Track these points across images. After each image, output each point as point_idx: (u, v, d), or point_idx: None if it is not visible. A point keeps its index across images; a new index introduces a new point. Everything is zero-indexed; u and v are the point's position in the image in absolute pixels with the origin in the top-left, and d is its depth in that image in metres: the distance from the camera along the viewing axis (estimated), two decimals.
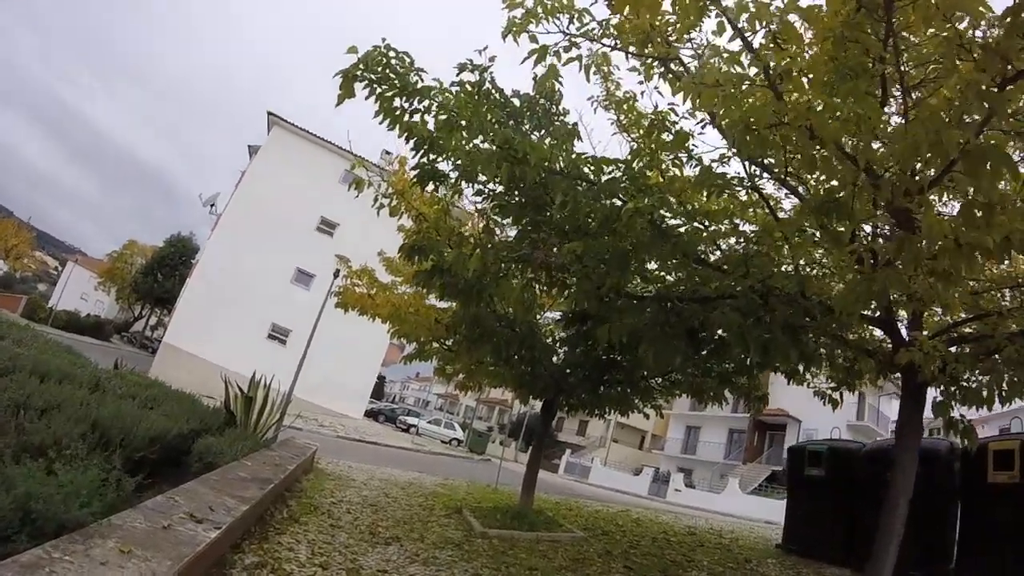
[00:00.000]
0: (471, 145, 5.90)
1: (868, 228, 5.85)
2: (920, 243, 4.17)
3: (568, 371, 10.55)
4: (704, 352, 7.39)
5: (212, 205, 39.67)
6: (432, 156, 6.22)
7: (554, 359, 10.76)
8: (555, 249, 6.06)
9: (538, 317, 11.03)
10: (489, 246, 6.81)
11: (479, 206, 7.35)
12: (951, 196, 4.86)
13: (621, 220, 5.26)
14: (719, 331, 5.73)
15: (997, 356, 5.25)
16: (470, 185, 6.55)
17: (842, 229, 4.71)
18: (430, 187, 6.91)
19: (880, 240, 5.01)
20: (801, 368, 7.29)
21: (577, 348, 10.56)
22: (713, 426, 49.20)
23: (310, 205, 35.91)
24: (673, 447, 51.98)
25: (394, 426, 46.57)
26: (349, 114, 7.01)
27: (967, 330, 6.48)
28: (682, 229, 5.67)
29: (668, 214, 5.81)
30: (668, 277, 6.76)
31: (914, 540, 5.71)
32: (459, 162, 5.99)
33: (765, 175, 6.08)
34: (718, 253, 6.49)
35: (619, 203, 5.60)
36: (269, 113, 37.11)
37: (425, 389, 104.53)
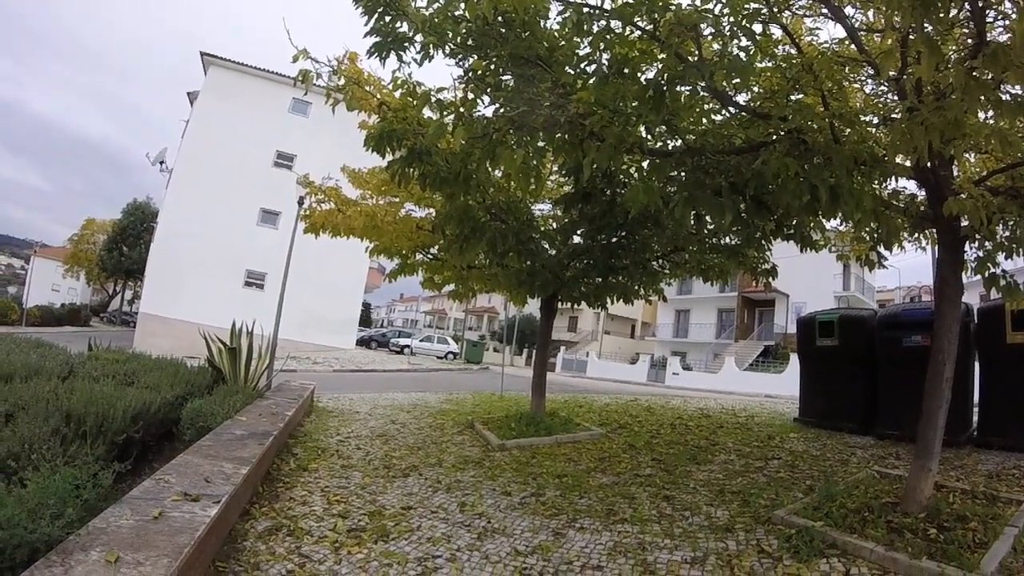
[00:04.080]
0: None
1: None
2: (1008, 59, 3.57)
3: (568, 262, 9.97)
4: (741, 210, 6.55)
5: (162, 163, 38.10)
6: (390, 16, 5.30)
7: (552, 251, 10.25)
8: (559, 107, 5.12)
9: (532, 203, 10.44)
10: (474, 114, 5.83)
11: (459, 66, 6.19)
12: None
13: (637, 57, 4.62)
14: (767, 183, 5.00)
15: None
16: (440, 49, 5.50)
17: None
18: (392, 62, 5.69)
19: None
20: (832, 225, 6.85)
21: (578, 233, 10.10)
22: (702, 308, 49.91)
23: (263, 141, 34.35)
24: (665, 332, 52.72)
25: (388, 350, 46.32)
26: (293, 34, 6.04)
27: (991, 183, 6.07)
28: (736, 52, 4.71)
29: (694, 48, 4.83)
30: (697, 127, 5.84)
31: (948, 406, 5.47)
32: (426, 11, 5.10)
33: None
34: (746, 97, 5.82)
35: (636, 33, 4.82)
36: (203, 54, 34.92)
37: (412, 308, 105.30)
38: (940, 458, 7.25)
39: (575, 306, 11.47)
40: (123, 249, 55.14)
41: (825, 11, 5.30)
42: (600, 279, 10.41)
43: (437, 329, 74.68)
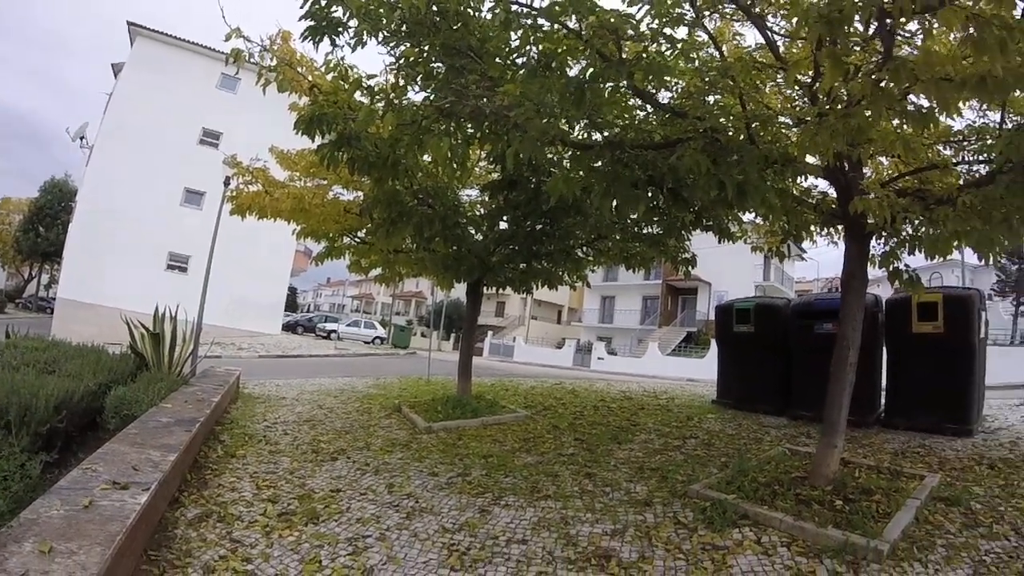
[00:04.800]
0: None
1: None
2: (910, 73, 3.88)
3: (494, 248, 10.16)
4: (658, 203, 6.79)
5: (82, 138, 35.54)
6: (326, 0, 5.33)
7: (477, 236, 10.40)
8: (485, 98, 5.28)
9: (459, 189, 10.53)
10: (404, 101, 5.86)
11: (391, 55, 6.19)
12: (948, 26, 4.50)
13: (563, 53, 4.76)
14: (683, 177, 5.23)
15: (949, 205, 5.22)
16: (374, 35, 5.57)
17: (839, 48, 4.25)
18: (325, 46, 5.73)
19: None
20: (748, 218, 7.20)
21: (503, 220, 10.26)
22: (627, 295, 50.72)
23: (189, 117, 32.70)
24: (591, 318, 53.34)
25: (314, 335, 45.65)
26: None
27: (900, 184, 6.49)
28: (652, 55, 5.00)
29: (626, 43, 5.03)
30: (618, 122, 6.03)
31: (852, 389, 5.89)
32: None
33: (725, 7, 5.67)
34: (668, 96, 6.06)
35: (563, 31, 4.94)
36: (130, 23, 32.78)
37: (338, 293, 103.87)
38: (849, 437, 7.80)
39: (499, 290, 11.62)
40: (40, 230, 51.47)
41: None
42: (525, 265, 10.62)
43: (364, 314, 73.89)
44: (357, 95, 6.46)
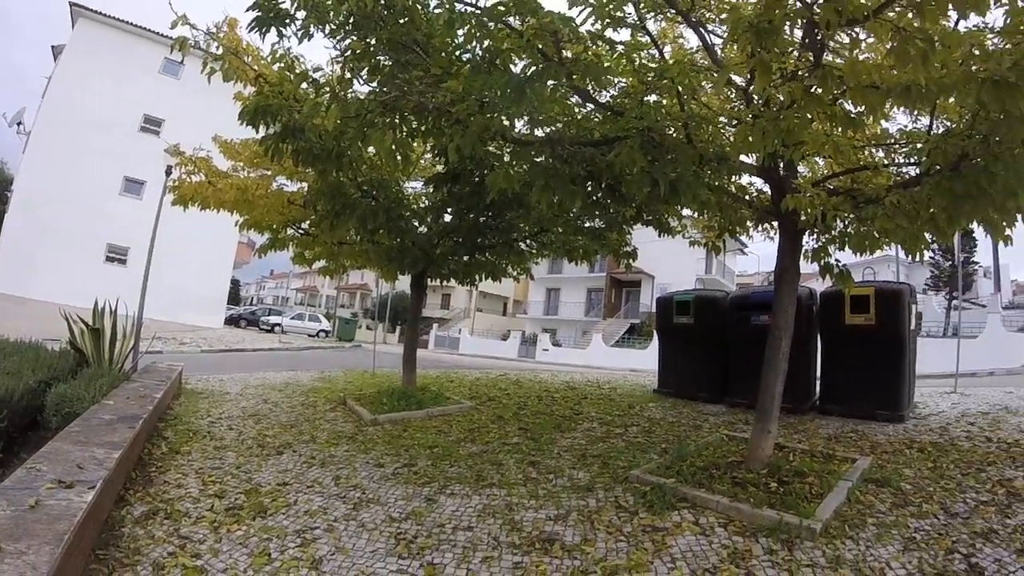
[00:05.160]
0: None
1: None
2: (837, 80, 4.11)
3: (438, 240, 10.22)
4: (598, 197, 6.83)
5: (19, 124, 34.03)
6: None
7: (422, 229, 10.45)
8: (429, 93, 5.36)
9: (404, 181, 10.55)
10: (349, 94, 5.89)
11: (336, 49, 6.02)
12: (874, 38, 4.73)
13: (507, 52, 4.84)
14: (620, 173, 5.38)
15: (877, 204, 5.49)
16: (321, 28, 5.56)
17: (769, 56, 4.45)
18: (272, 36, 5.69)
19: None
20: (687, 214, 7.43)
21: (447, 212, 10.31)
22: (572, 287, 51.11)
23: (130, 103, 31.49)
24: (536, 310, 53.62)
25: (258, 329, 44.58)
26: None
27: (834, 184, 6.79)
28: (587, 56, 5.15)
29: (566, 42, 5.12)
30: (559, 119, 6.16)
31: (785, 377, 6.16)
32: None
33: (664, 11, 5.84)
34: (608, 95, 6.20)
35: (506, 31, 5.00)
36: (71, 3, 31.27)
37: (282, 285, 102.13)
38: (785, 423, 8.13)
39: (442, 282, 11.68)
40: None
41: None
42: (468, 257, 10.75)
43: (308, 307, 73.01)
44: (303, 86, 6.44)
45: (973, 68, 3.95)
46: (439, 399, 10.81)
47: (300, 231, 11.00)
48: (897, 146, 6.63)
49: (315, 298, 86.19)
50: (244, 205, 9.85)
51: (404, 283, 14.08)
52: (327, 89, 5.89)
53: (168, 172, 11.11)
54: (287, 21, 5.58)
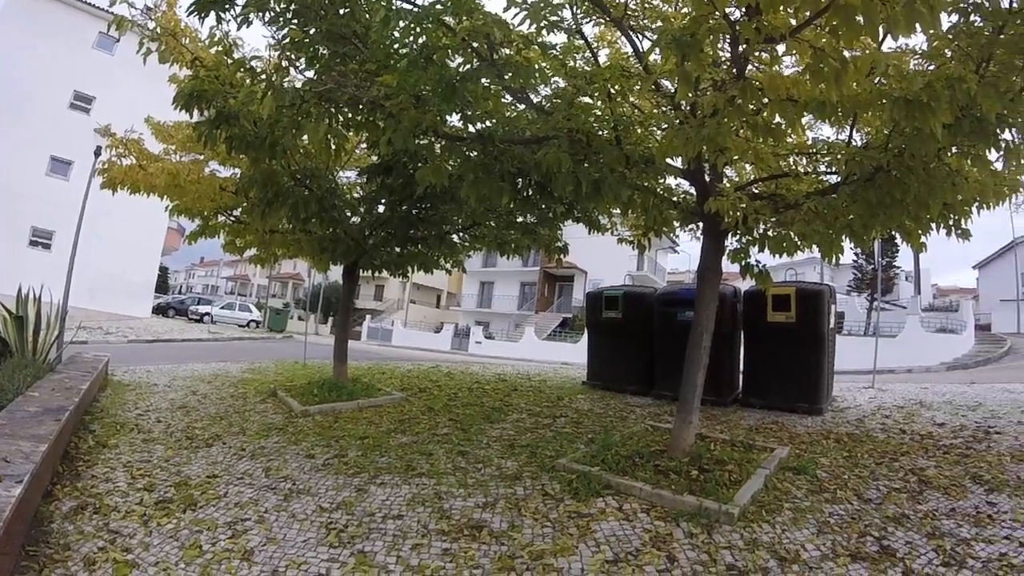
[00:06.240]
0: None
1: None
2: (757, 93, 4.34)
3: (370, 231, 10.22)
4: (528, 194, 7.06)
5: None
6: None
7: (354, 219, 10.44)
8: (364, 86, 5.40)
9: (337, 171, 10.50)
10: (285, 83, 5.80)
11: (272, 39, 5.95)
12: (795, 54, 4.98)
13: (443, 49, 4.91)
14: (548, 171, 5.52)
15: (795, 210, 5.81)
16: (261, 15, 5.56)
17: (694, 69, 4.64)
18: (211, 19, 5.67)
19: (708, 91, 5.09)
20: (617, 212, 7.66)
21: (381, 203, 10.29)
22: (506, 281, 51.40)
23: (59, 79, 29.90)
24: (469, 303, 53.75)
25: (186, 318, 43.36)
26: None
27: (758, 189, 7.14)
28: (516, 58, 5.23)
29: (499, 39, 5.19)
30: (491, 118, 6.25)
31: (707, 370, 6.44)
32: None
33: (600, 18, 6.00)
34: (541, 95, 6.32)
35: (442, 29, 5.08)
36: None
37: (212, 274, 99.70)
38: (708, 415, 8.47)
39: (375, 274, 11.65)
40: None
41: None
42: (400, 248, 10.76)
43: (239, 296, 71.73)
44: (240, 73, 6.39)
45: (887, 87, 4.25)
46: (370, 390, 10.82)
47: (232, 218, 10.80)
48: (819, 156, 6.98)
49: (246, 287, 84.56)
50: (175, 190, 9.59)
51: (337, 273, 14.00)
52: (263, 77, 5.85)
53: (97, 153, 10.66)
54: (227, 5, 5.57)
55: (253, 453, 6.85)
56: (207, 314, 43.15)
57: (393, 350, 33.27)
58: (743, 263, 6.20)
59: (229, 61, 6.36)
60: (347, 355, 11.61)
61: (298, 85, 5.68)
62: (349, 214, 10.20)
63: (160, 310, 43.54)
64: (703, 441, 6.93)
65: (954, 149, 5.04)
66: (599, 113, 5.85)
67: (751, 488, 5.30)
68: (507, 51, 5.24)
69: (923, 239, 6.25)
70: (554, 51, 5.68)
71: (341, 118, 5.92)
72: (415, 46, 5.16)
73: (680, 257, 58.47)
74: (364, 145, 10.26)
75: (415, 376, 14.36)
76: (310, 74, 5.93)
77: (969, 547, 4.31)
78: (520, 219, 9.88)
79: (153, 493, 5.45)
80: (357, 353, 19.93)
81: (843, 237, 5.87)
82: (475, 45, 4.88)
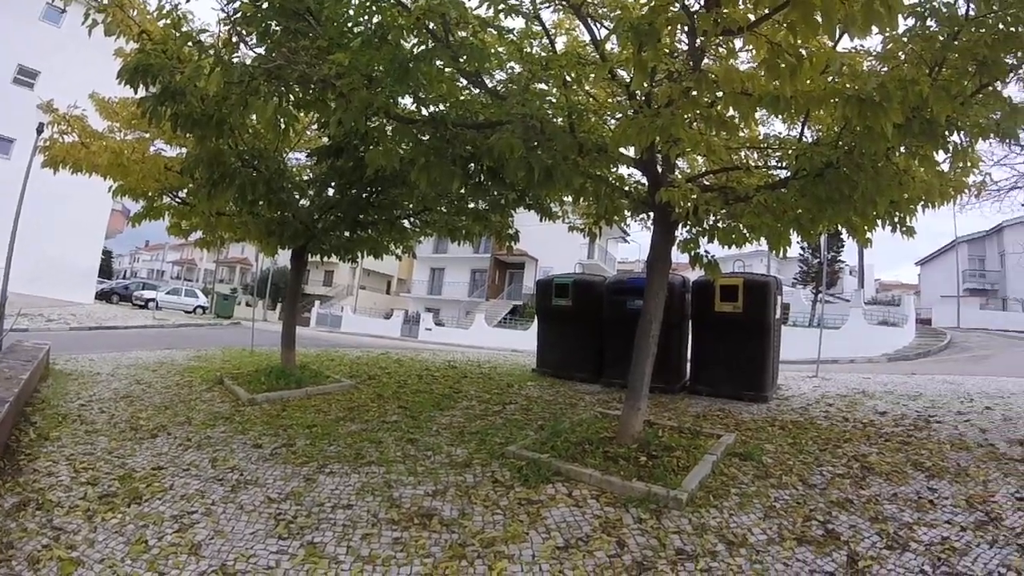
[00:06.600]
0: None
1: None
2: (712, 85, 4.37)
3: (319, 215, 10.08)
4: (480, 179, 7.03)
5: None
6: None
7: (303, 202, 10.28)
8: (316, 64, 5.23)
9: (286, 152, 10.24)
10: (234, 59, 5.61)
11: (223, 11, 5.74)
12: (752, 48, 5.03)
13: (398, 29, 4.83)
14: (500, 157, 5.49)
15: (745, 202, 5.90)
16: None
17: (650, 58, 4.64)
18: None
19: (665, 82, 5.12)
20: (569, 200, 7.69)
21: (331, 186, 10.14)
22: (456, 267, 51.27)
23: (2, 52, 28.49)
24: (420, 289, 53.53)
25: (131, 304, 41.74)
26: None
27: (709, 181, 7.23)
28: (471, 40, 5.20)
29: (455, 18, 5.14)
30: (444, 101, 6.14)
31: (655, 358, 6.53)
32: None
33: (559, 4, 6.00)
34: (496, 79, 6.31)
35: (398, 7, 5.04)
36: None
37: (157, 258, 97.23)
38: (657, 402, 8.58)
39: (323, 258, 11.50)
40: None
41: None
42: (350, 233, 10.62)
43: (185, 281, 70.20)
44: (188, 47, 6.08)
45: (840, 85, 4.34)
46: (319, 378, 10.69)
47: (177, 200, 10.40)
48: (770, 150, 7.11)
49: (192, 272, 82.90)
50: (118, 170, 9.17)
51: (285, 258, 13.75)
52: (212, 52, 5.63)
53: (40, 130, 10.16)
54: None
55: (199, 443, 6.70)
56: (152, 300, 41.89)
57: (342, 336, 32.99)
58: (693, 253, 6.29)
59: (177, 34, 6.08)
60: (295, 342, 11.42)
61: (248, 62, 5.51)
62: (298, 197, 10.01)
63: (104, 296, 42.16)
64: (652, 428, 7.03)
65: (903, 149, 5.20)
66: (554, 100, 5.85)
67: (699, 474, 5.39)
68: (463, 33, 5.22)
69: (869, 235, 6.42)
70: (511, 35, 5.66)
71: (291, 97, 5.75)
72: (369, 24, 5.08)
73: (630, 247, 59.19)
74: (314, 126, 10.02)
75: (364, 363, 14.27)
76: (261, 50, 5.72)
77: (912, 531, 4.46)
78: (471, 205, 9.84)
79: (97, 487, 5.28)
80: (306, 340, 19.71)
81: (791, 231, 6.03)
82: (431, 26, 4.83)
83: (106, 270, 60.38)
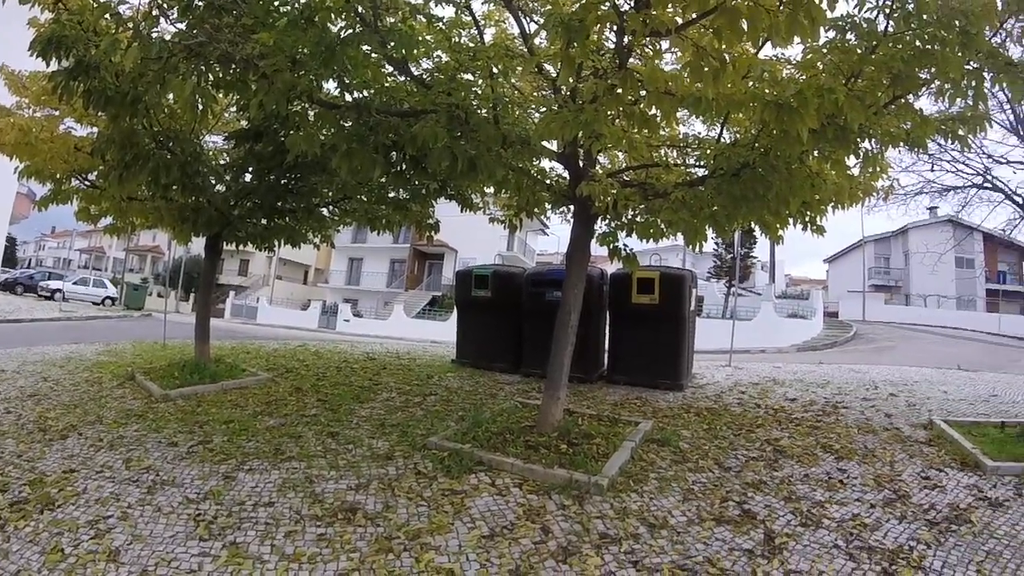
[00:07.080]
0: None
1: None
2: (637, 84, 4.48)
3: (236, 201, 9.80)
4: (402, 168, 6.97)
5: None
6: None
7: (219, 188, 9.95)
8: (238, 43, 5.06)
9: (203, 135, 9.91)
10: (153, 34, 5.28)
11: None
12: (678, 51, 5.15)
13: (326, 11, 4.76)
14: (423, 146, 5.46)
15: (663, 198, 6.08)
16: None
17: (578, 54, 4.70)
18: None
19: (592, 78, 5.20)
20: (491, 191, 7.77)
21: (248, 171, 9.90)
22: (375, 257, 50.85)
23: None
24: (338, 279, 52.95)
25: (36, 295, 39.61)
26: None
27: (629, 176, 7.43)
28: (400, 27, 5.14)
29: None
30: (369, 87, 6.09)
31: (574, 348, 6.72)
32: None
33: None
34: (423, 68, 6.30)
35: None
36: None
37: (64, 245, 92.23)
38: (575, 391, 8.74)
39: (239, 247, 11.22)
40: None
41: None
42: (267, 220, 10.40)
43: (94, 271, 67.35)
44: (105, 18, 5.72)
45: (760, 90, 4.52)
46: (235, 371, 10.43)
47: (86, 183, 9.83)
48: (689, 149, 7.34)
49: (101, 261, 79.59)
50: (25, 149, 8.58)
51: (199, 246, 13.32)
52: (131, 25, 5.37)
53: None
54: None
55: (112, 443, 6.44)
56: (58, 290, 39.88)
57: (258, 328, 32.22)
58: (611, 246, 6.40)
59: (95, 5, 5.77)
60: (210, 334, 11.08)
61: (168, 37, 5.27)
62: (214, 182, 9.69)
63: (7, 286, 40.07)
64: (571, 416, 7.17)
65: (816, 153, 5.50)
66: (480, 91, 5.88)
67: (618, 460, 5.57)
68: (392, 19, 5.19)
69: (781, 233, 6.77)
70: (440, 24, 5.64)
71: (212, 76, 5.54)
72: (296, 5, 4.96)
73: (550, 239, 59.86)
74: (233, 108, 9.70)
75: (282, 355, 14.01)
76: (182, 26, 5.43)
77: (824, 509, 4.75)
78: (392, 194, 9.76)
79: (7, 493, 5.01)
80: (221, 332, 19.24)
81: (707, 227, 6.22)
82: (359, 10, 4.79)
83: (10, 258, 57.58)
